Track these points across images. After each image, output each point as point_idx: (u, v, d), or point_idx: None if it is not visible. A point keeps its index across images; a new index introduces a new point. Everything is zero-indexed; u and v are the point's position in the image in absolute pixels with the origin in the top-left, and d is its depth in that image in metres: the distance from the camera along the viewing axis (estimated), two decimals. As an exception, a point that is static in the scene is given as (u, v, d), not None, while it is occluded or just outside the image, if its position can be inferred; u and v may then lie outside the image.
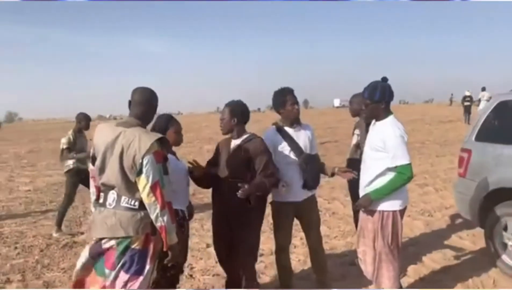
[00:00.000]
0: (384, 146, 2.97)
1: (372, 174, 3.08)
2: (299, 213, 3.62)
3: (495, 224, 4.05)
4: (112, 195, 2.48)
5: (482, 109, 4.68)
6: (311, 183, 3.52)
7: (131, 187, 2.44)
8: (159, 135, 2.50)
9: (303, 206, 3.56)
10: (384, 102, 3.03)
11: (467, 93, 23.06)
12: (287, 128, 3.53)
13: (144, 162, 2.38)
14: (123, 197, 2.45)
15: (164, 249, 2.50)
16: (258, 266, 4.41)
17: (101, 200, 2.54)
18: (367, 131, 3.38)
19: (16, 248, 5.38)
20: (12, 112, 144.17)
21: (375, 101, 3.03)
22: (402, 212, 3.13)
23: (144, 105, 2.61)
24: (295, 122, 3.55)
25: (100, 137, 2.56)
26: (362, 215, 3.23)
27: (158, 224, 2.42)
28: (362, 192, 3.19)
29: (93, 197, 2.68)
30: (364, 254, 3.19)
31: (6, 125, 63.59)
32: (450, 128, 20.82)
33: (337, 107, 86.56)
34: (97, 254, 2.51)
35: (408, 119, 25.75)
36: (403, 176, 2.96)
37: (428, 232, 5.46)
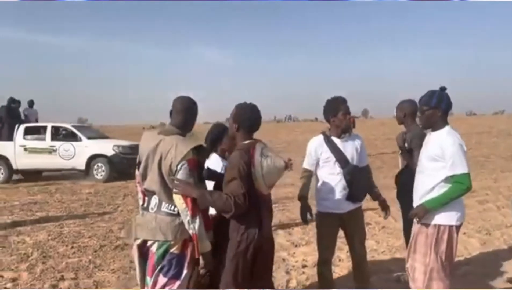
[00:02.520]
0: (443, 154, 2.87)
1: (429, 185, 2.96)
2: (344, 225, 3.55)
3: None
4: (154, 200, 2.60)
5: None
6: (355, 195, 3.44)
7: (170, 193, 2.53)
8: (196, 143, 2.57)
9: (348, 218, 3.49)
10: (441, 109, 2.96)
11: None
12: (334, 138, 3.49)
13: (178, 169, 2.48)
14: (163, 203, 2.56)
15: (196, 256, 2.56)
16: (300, 277, 4.39)
17: (145, 204, 2.66)
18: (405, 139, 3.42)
19: (72, 247, 5.68)
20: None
21: (432, 107, 2.97)
22: (458, 228, 3.00)
23: (183, 113, 2.69)
24: (344, 132, 3.50)
25: (144, 144, 2.69)
26: (415, 228, 3.10)
27: (190, 231, 2.49)
28: (417, 203, 3.06)
29: (140, 201, 2.77)
30: (413, 270, 3.05)
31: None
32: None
33: None
34: (144, 254, 2.65)
35: (473, 131, 24.53)
36: (461, 186, 2.84)
37: (484, 252, 5.15)
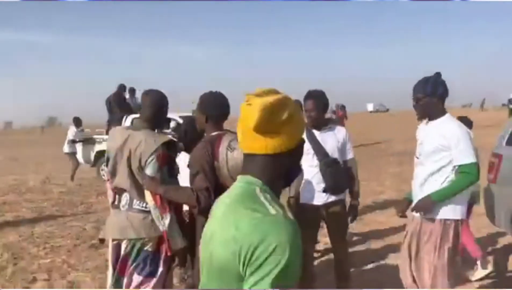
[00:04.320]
0: (448, 144, 2.70)
1: (434, 177, 2.79)
2: (324, 218, 3.50)
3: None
4: (125, 197, 2.54)
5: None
6: (331, 188, 3.36)
7: (141, 190, 2.48)
8: (166, 138, 2.51)
9: (326, 210, 3.43)
10: (438, 96, 2.78)
11: None
12: (314, 131, 3.45)
13: (147, 163, 2.43)
14: (134, 200, 2.51)
15: (168, 254, 2.51)
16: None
17: (116, 202, 2.60)
18: None
19: (45, 248, 5.52)
20: (52, 116, 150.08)
21: (427, 95, 2.78)
22: (464, 222, 2.86)
23: (152, 108, 2.61)
24: (323, 125, 3.46)
25: (111, 140, 2.62)
26: (413, 225, 2.93)
27: (160, 228, 2.44)
28: (419, 197, 2.87)
29: (110, 200, 2.70)
30: (420, 270, 2.86)
31: (47, 129, 65.91)
32: (484, 134, 20.05)
33: (371, 112, 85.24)
34: (116, 260, 2.58)
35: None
36: (469, 177, 2.68)
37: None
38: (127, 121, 9.72)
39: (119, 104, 10.66)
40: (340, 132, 3.52)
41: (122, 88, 11.05)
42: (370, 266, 4.52)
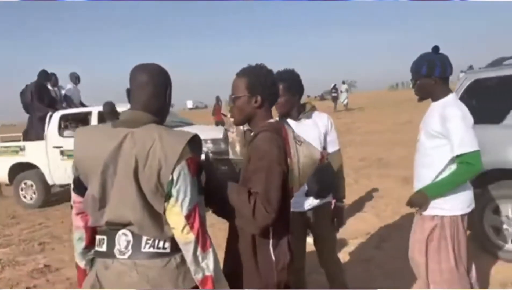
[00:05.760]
0: (445, 131, 2.45)
1: (430, 168, 2.56)
2: (309, 226, 2.96)
3: (485, 207, 4.09)
4: (123, 237, 1.64)
5: (456, 90, 4.27)
6: (314, 189, 2.74)
7: (157, 221, 1.62)
8: (189, 134, 1.66)
9: (311, 217, 2.90)
10: (436, 77, 2.53)
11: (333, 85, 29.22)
12: (289, 121, 2.81)
13: (175, 178, 1.57)
14: (144, 238, 1.62)
15: None
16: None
17: (102, 247, 1.67)
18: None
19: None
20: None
21: (423, 76, 2.55)
22: (465, 217, 2.59)
23: (156, 89, 1.72)
24: (299, 112, 2.89)
25: (88, 148, 1.65)
26: (415, 222, 2.72)
27: (199, 275, 1.62)
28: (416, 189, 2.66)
29: (80, 245, 1.80)
30: (427, 271, 2.62)
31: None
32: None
33: (190, 109, 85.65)
34: None
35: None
36: (470, 167, 2.39)
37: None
38: (53, 120, 7.94)
39: (40, 98, 8.29)
40: (321, 119, 2.93)
41: (43, 76, 8.58)
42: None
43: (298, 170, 1.88)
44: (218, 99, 17.91)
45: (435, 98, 2.60)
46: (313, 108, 2.98)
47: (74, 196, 1.79)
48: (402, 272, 3.88)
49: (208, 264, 1.61)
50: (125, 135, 1.61)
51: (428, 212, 2.56)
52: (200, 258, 1.60)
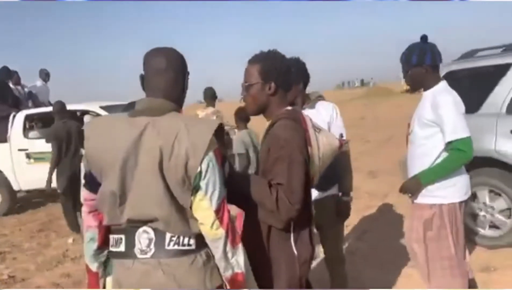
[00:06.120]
0: (437, 118, 2.47)
1: (424, 157, 2.56)
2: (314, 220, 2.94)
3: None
4: (144, 235, 1.52)
5: None
6: (319, 181, 2.68)
7: (183, 216, 1.52)
8: (217, 122, 1.58)
9: (316, 210, 2.64)
10: (427, 66, 2.54)
11: None
12: None
13: (204, 170, 1.47)
14: (168, 235, 1.51)
15: None
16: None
17: (119, 247, 1.55)
18: None
19: None
20: None
21: (413, 65, 2.57)
22: (462, 205, 2.59)
23: (175, 73, 1.63)
24: (303, 102, 2.81)
25: (103, 140, 1.52)
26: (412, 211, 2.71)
27: (228, 272, 1.55)
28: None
29: (91, 246, 1.67)
30: (421, 262, 2.63)
31: None
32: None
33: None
34: None
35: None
36: (462, 154, 2.42)
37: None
38: (17, 120, 7.46)
39: (2, 98, 7.84)
40: (325, 108, 2.85)
41: (5, 73, 8.18)
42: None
43: (319, 159, 1.81)
44: None
45: (426, 87, 2.61)
46: (319, 98, 2.91)
47: (85, 193, 1.64)
48: (387, 262, 3.98)
49: (238, 261, 1.54)
50: (146, 124, 1.48)
51: (426, 200, 2.56)
52: (230, 254, 1.52)
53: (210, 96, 6.46)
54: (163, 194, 1.46)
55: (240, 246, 1.55)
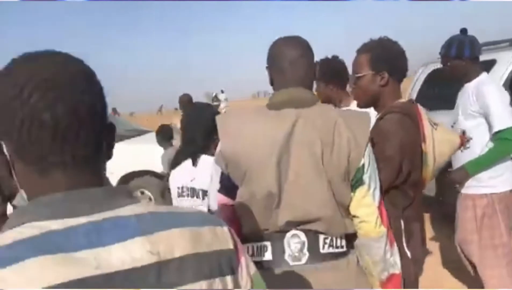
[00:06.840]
0: (483, 108, 2.45)
1: (472, 147, 2.54)
2: None
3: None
4: (295, 239, 1.35)
5: (415, 80, 4.68)
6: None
7: (340, 215, 1.37)
8: (368, 113, 1.50)
9: None
10: (466, 58, 2.53)
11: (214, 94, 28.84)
12: None
13: (366, 162, 1.37)
14: (321, 238, 1.36)
15: None
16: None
17: (264, 256, 1.37)
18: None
19: None
20: None
21: (453, 58, 2.56)
22: None
23: (310, 61, 1.50)
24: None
25: (246, 137, 1.36)
26: (458, 203, 2.67)
27: (384, 274, 1.43)
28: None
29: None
30: (471, 255, 2.61)
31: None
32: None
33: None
34: None
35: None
36: (508, 143, 2.40)
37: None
38: None
39: None
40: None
41: None
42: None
43: (433, 158, 1.65)
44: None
45: (467, 79, 2.59)
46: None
47: (221, 198, 1.43)
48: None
49: (396, 261, 1.43)
50: (296, 116, 1.33)
51: (478, 190, 2.53)
52: (388, 254, 1.40)
53: (187, 102, 6.13)
54: (327, 190, 1.32)
55: (395, 245, 1.45)
